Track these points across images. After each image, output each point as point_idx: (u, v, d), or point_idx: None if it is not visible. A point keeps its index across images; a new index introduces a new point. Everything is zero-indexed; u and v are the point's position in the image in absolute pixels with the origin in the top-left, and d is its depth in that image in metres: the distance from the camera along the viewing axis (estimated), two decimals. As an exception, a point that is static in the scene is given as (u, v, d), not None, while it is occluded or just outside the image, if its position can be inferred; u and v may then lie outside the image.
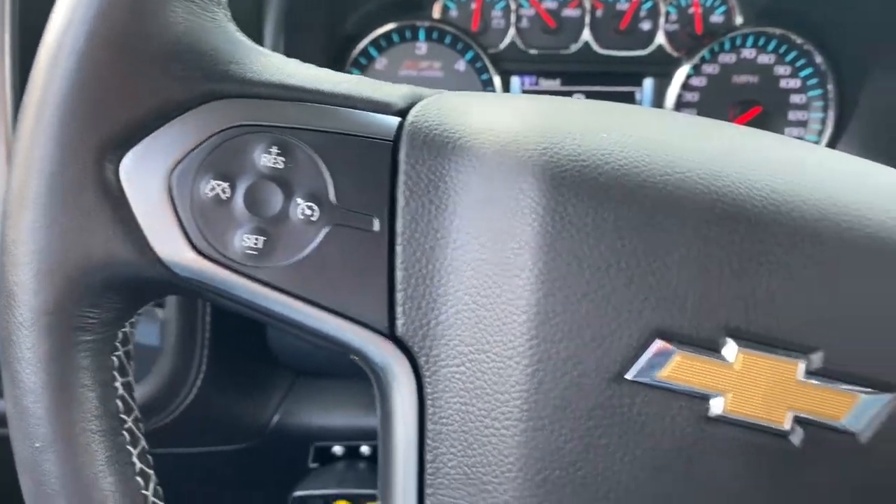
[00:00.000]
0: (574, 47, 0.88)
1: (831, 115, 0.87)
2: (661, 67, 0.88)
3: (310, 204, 0.32)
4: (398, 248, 0.32)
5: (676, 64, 0.87)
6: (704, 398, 0.31)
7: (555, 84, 0.90)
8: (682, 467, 0.31)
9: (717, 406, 0.31)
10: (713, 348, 0.30)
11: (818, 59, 0.86)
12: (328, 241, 0.32)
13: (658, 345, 0.30)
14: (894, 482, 0.31)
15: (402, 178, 0.32)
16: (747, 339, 0.30)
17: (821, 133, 0.87)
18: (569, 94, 0.90)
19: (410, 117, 0.33)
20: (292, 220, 0.32)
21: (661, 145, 0.33)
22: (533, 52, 0.88)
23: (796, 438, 0.31)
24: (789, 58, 0.87)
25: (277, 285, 0.32)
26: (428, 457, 0.33)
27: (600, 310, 0.31)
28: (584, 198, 0.31)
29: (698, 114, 0.88)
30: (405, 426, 0.33)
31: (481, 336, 0.32)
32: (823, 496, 0.31)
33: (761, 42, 0.87)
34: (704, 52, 0.86)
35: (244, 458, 0.74)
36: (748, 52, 0.87)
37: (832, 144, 0.87)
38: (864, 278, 0.31)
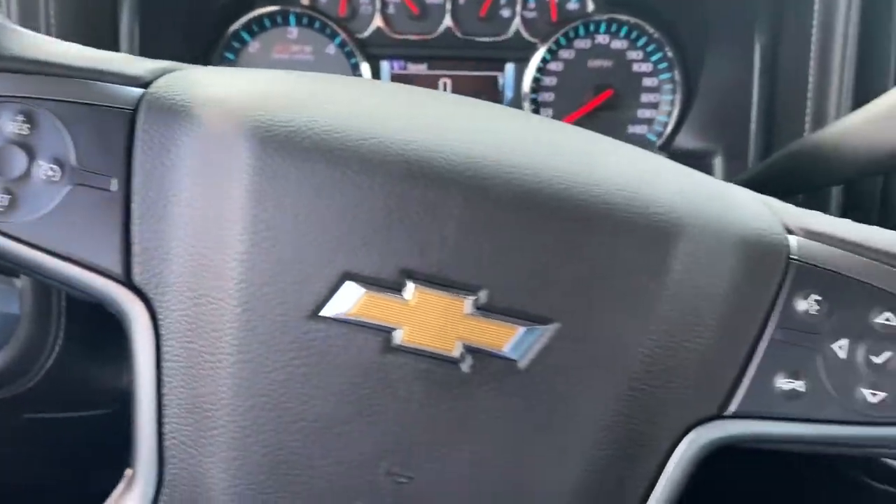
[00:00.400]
0: (437, 33, 0.93)
1: (679, 98, 0.92)
2: (521, 52, 0.92)
3: (52, 166, 0.36)
4: (133, 206, 0.37)
5: (534, 49, 0.92)
6: (387, 331, 0.35)
7: (422, 68, 0.94)
8: (368, 391, 0.36)
9: (397, 337, 0.35)
10: (394, 288, 0.35)
11: (666, 46, 0.92)
12: (69, 200, 0.36)
13: (347, 285, 0.35)
14: (548, 402, 0.36)
15: (138, 143, 0.37)
16: (422, 280, 0.35)
17: (669, 114, 0.93)
18: (436, 77, 0.94)
19: (151, 88, 0.38)
20: (35, 181, 0.36)
21: (364, 113, 0.37)
22: (399, 37, 0.93)
23: (465, 365, 0.36)
24: (640, 43, 0.92)
25: (23, 238, 0.36)
26: (164, 390, 0.37)
27: (300, 256, 0.35)
28: (289, 159, 0.35)
29: (556, 97, 0.94)
30: (146, 364, 0.37)
31: (203, 282, 0.36)
32: (489, 415, 0.36)
33: (614, 28, 0.92)
34: (559, 38, 0.92)
35: (107, 423, 0.77)
36: (602, 38, 0.93)
37: (679, 124, 0.92)
38: (526, 228, 0.36)
